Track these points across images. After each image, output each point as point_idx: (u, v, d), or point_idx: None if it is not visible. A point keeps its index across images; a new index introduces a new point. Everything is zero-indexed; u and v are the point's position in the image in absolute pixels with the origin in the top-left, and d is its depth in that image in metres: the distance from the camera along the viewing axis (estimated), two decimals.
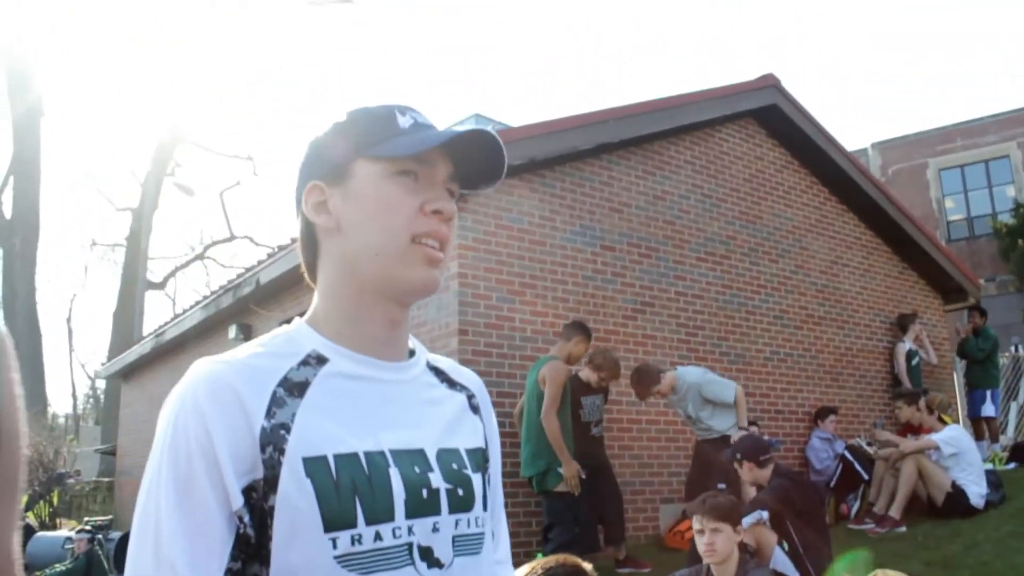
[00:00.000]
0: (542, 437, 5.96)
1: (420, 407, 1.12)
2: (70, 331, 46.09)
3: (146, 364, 14.51)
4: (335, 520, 0.95)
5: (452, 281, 6.55)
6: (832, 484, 8.05)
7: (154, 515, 0.95)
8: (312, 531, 0.95)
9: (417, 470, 1.04)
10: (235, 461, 0.95)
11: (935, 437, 6.85)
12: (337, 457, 0.98)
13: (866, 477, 7.72)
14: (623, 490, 6.89)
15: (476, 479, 1.12)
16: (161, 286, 30.76)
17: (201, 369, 1.01)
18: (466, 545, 1.07)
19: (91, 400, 48.47)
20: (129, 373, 15.67)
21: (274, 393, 0.99)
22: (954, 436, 6.84)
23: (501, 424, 6.53)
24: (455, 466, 1.09)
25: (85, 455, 24.75)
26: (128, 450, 15.74)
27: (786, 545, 5.14)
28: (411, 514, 1.01)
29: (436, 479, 1.05)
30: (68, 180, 56.07)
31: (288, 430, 0.97)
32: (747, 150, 9.28)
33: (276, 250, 8.94)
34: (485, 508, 1.13)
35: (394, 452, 1.03)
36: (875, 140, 27.49)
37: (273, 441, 0.96)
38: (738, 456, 5.60)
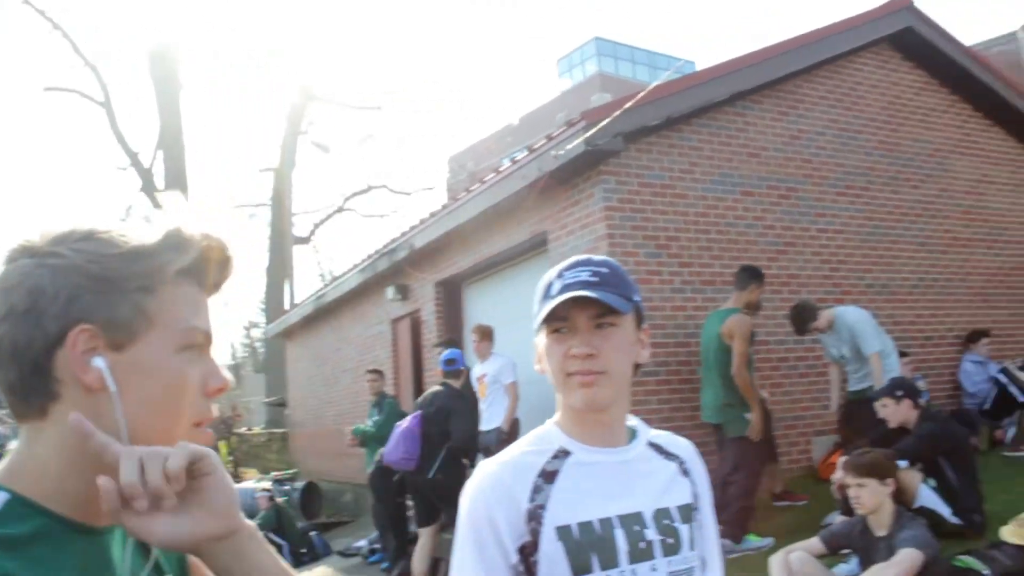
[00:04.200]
0: (726, 387, 6.28)
1: (639, 479, 1.53)
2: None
3: (308, 324, 15.50)
4: (579, 567, 1.42)
5: (601, 242, 6.91)
6: (986, 408, 8.12)
7: (462, 564, 1.46)
8: (564, 574, 1.42)
9: (636, 528, 1.47)
10: (511, 531, 1.44)
11: None
12: (579, 524, 1.44)
13: (1022, 399, 7.76)
14: (777, 425, 7.22)
15: (683, 529, 1.52)
16: (306, 240, 32.18)
17: (486, 470, 1.51)
18: None
19: (248, 349, 51.40)
20: (292, 332, 16.75)
21: (534, 483, 1.47)
22: None
23: (656, 372, 6.94)
24: (666, 521, 1.51)
25: (252, 405, 26.49)
26: (298, 404, 16.91)
27: (932, 482, 5.38)
28: (633, 560, 1.44)
29: (651, 533, 1.48)
30: (212, 147, 58.75)
31: (545, 508, 1.45)
32: (882, 77, 9.19)
33: (429, 216, 9.47)
34: (692, 548, 1.53)
35: (619, 517, 1.46)
36: None
37: (535, 517, 1.44)
38: (899, 393, 5.79)
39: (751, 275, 6.62)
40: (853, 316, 6.86)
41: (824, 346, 7.26)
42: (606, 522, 1.45)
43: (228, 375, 1.07)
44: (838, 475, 5.23)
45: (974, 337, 8.80)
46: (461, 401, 7.24)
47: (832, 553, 4.93)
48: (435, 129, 62.91)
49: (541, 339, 1.53)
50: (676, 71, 8.17)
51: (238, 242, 1.05)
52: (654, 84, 6.92)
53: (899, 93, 9.30)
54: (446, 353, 7.54)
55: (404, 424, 7.12)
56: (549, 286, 1.52)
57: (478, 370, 7.88)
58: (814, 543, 4.89)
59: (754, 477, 6.22)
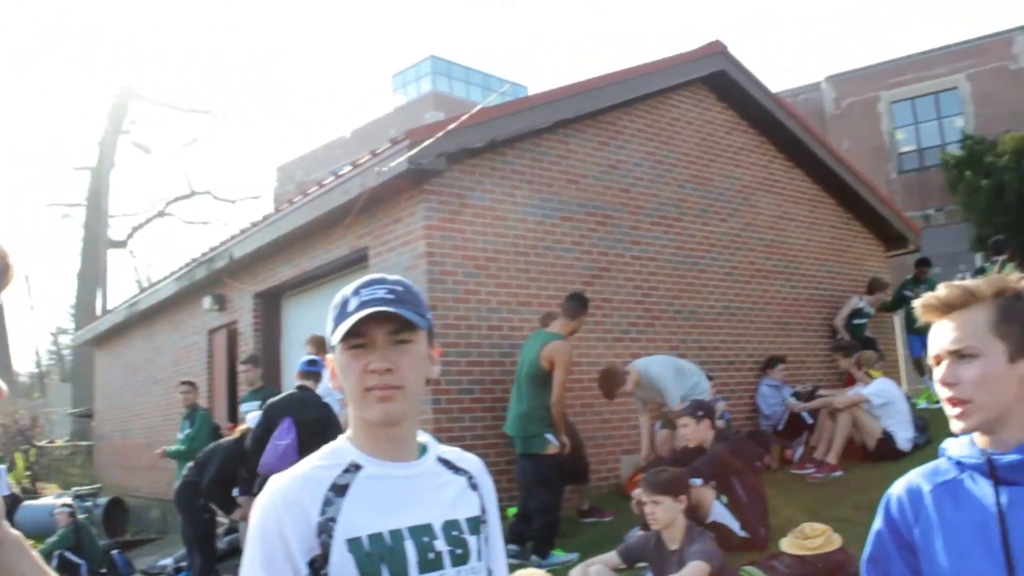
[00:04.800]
0: (535, 407, 6.38)
1: (429, 492, 1.58)
2: (29, 289, 45.73)
3: (120, 332, 14.81)
4: None
5: (420, 260, 6.98)
6: (780, 429, 8.69)
7: None
8: None
9: (426, 539, 1.51)
10: (301, 544, 1.45)
11: (865, 391, 7.51)
12: (369, 536, 1.46)
13: (810, 421, 8.34)
14: (587, 444, 7.46)
15: (472, 540, 1.58)
16: (123, 244, 30.73)
17: (278, 484, 1.52)
18: None
19: (54, 357, 48.48)
20: (103, 340, 15.94)
21: (325, 497, 1.49)
22: (882, 388, 7.50)
23: (471, 390, 7.05)
24: (455, 533, 1.56)
25: (56, 415, 24.99)
26: (106, 416, 16.08)
27: (724, 499, 5.73)
28: (422, 570, 1.48)
29: (440, 544, 1.53)
30: (23, 141, 55.09)
31: (335, 521, 1.46)
32: (697, 115, 9.72)
33: (250, 226, 9.28)
34: (480, 559, 1.59)
35: (409, 528, 1.50)
36: (829, 74, 27.65)
37: (326, 530, 1.46)
38: (700, 413, 6.12)
39: (581, 303, 6.81)
40: (656, 371, 7.16)
41: (639, 403, 7.55)
42: (396, 533, 1.49)
43: (1, 384, 1.05)
44: (637, 492, 5.47)
45: (771, 363, 9.38)
46: (331, 409, 6.99)
47: (629, 566, 5.14)
48: (265, 137, 61.53)
49: (337, 355, 1.55)
50: (504, 95, 8.37)
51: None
52: (479, 107, 7.07)
53: (712, 131, 9.85)
54: (309, 356, 7.31)
55: (284, 436, 6.71)
56: (345, 303, 1.55)
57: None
58: (612, 557, 5.10)
59: (554, 493, 6.37)
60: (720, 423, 6.71)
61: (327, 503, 1.48)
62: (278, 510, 1.47)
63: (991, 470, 1.58)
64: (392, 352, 1.52)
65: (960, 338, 1.59)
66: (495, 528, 1.71)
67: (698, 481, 5.67)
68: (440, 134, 6.35)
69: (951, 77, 25.62)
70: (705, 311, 9.23)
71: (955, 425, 1.61)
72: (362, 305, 1.52)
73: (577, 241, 8.10)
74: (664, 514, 4.85)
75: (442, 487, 1.61)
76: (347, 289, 1.58)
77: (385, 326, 1.51)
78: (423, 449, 1.65)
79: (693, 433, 6.11)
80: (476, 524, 1.62)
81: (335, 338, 1.53)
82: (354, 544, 1.45)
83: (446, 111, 27.96)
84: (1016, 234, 20.16)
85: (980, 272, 9.37)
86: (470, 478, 1.68)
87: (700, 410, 6.18)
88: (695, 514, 5.41)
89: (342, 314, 1.54)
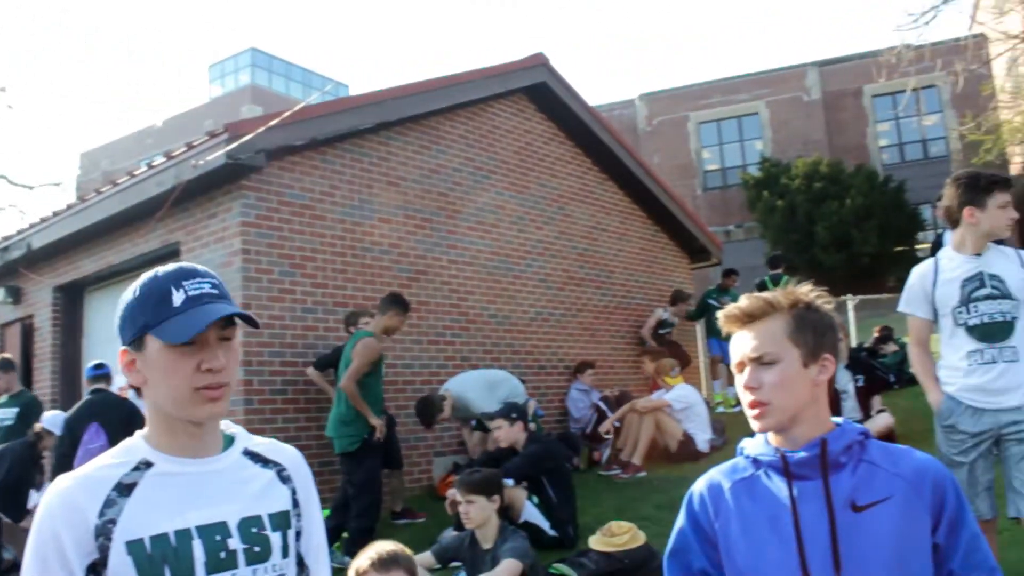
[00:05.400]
0: (348, 405, 6.37)
1: (228, 487, 1.52)
2: None
3: None
4: None
5: (235, 257, 6.83)
6: (588, 432, 9.02)
7: None
8: None
9: (218, 538, 1.46)
10: (78, 549, 1.40)
11: (667, 396, 7.95)
12: (152, 538, 1.41)
13: (616, 424, 8.71)
14: (400, 445, 7.50)
15: (275, 536, 1.53)
16: None
17: (57, 486, 1.45)
18: None
19: None
20: None
21: (107, 497, 1.43)
22: (683, 394, 7.97)
23: (284, 391, 6.96)
24: (255, 530, 1.51)
25: None
26: None
27: (536, 499, 5.93)
28: (211, 571, 1.44)
29: (234, 542, 1.47)
30: None
31: (115, 523, 1.41)
32: (517, 124, 9.97)
33: (52, 215, 8.77)
34: (285, 556, 1.54)
35: (199, 527, 1.45)
36: (642, 92, 28.80)
37: (104, 533, 1.40)
38: (513, 416, 6.30)
39: (391, 302, 6.85)
40: (470, 394, 7.45)
41: (460, 420, 7.70)
42: (183, 533, 1.43)
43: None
44: (451, 492, 5.57)
45: (581, 368, 9.72)
46: (134, 405, 6.60)
47: (443, 566, 5.22)
48: (67, 120, 57.98)
49: (156, 352, 1.47)
50: (327, 94, 8.31)
51: None
52: (302, 104, 7.00)
53: (531, 140, 10.13)
54: (94, 362, 6.95)
55: (95, 440, 6.30)
56: (166, 297, 1.48)
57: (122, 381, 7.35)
58: (426, 557, 5.17)
59: (369, 493, 6.38)
60: (532, 426, 6.92)
61: (108, 504, 1.43)
62: (53, 514, 1.42)
63: (784, 466, 1.73)
64: (220, 350, 1.48)
65: (760, 346, 1.73)
66: (313, 521, 1.67)
67: (511, 481, 5.84)
68: (261, 129, 6.25)
69: (753, 103, 27.38)
70: (519, 316, 9.46)
71: (755, 425, 1.75)
72: (193, 301, 1.47)
73: (395, 243, 8.14)
74: (478, 513, 4.97)
75: (245, 482, 1.55)
76: (161, 279, 1.51)
77: (217, 323, 1.47)
78: (229, 441, 1.60)
79: (506, 435, 6.28)
80: (283, 519, 1.57)
81: (168, 336, 1.45)
82: (134, 546, 1.40)
83: (264, 106, 27.31)
84: (804, 251, 21.82)
85: (761, 287, 10.09)
86: (280, 471, 1.62)
87: (513, 412, 6.37)
88: (508, 514, 5.57)
89: (167, 309, 1.47)
